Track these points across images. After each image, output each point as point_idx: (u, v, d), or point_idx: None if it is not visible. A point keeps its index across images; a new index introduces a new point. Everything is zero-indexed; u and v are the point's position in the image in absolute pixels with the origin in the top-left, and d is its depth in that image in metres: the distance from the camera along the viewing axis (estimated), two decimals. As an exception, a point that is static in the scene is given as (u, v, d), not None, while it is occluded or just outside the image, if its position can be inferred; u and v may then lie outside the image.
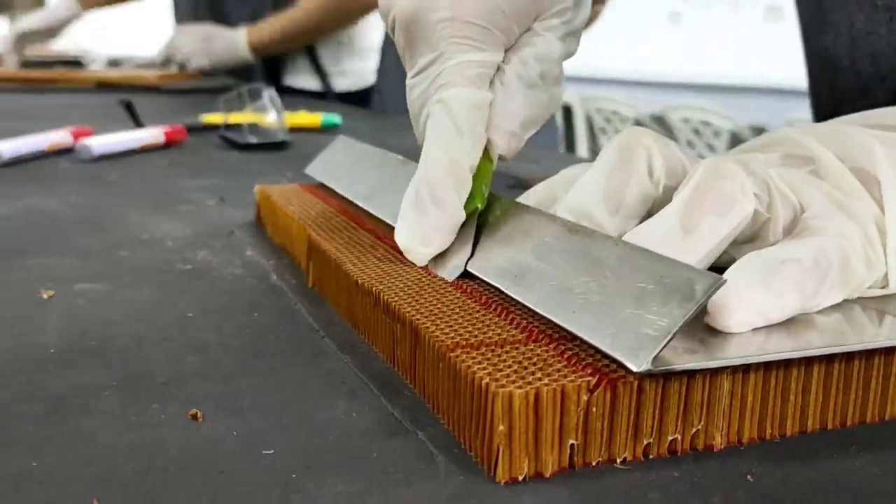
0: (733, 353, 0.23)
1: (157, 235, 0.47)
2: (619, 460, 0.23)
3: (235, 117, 0.86)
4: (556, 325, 0.25)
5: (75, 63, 1.85)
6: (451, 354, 0.24)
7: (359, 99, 1.47)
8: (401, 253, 0.34)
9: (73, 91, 1.40)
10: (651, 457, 0.23)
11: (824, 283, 0.26)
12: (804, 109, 0.62)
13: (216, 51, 1.41)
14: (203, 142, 0.85)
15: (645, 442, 0.23)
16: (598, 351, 0.23)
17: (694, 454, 0.23)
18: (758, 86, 2.94)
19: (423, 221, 0.32)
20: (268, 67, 1.49)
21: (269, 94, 0.85)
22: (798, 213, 0.29)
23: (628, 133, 0.30)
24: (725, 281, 0.22)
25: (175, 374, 0.28)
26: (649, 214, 0.29)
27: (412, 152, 0.37)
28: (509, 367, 0.23)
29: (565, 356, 0.24)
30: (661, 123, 3.17)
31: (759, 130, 2.82)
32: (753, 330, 0.25)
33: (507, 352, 0.24)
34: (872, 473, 0.23)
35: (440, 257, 0.33)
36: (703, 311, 0.24)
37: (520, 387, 0.21)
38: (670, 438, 0.23)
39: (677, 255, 0.25)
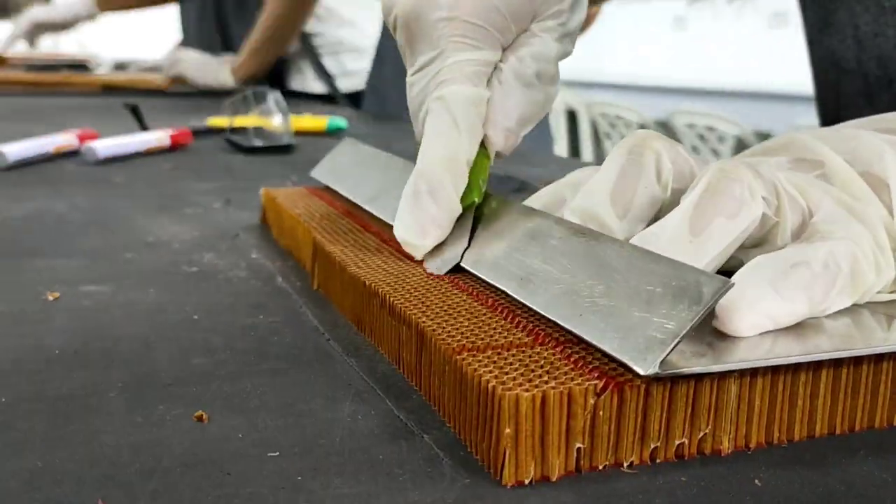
0: (741, 357, 0.23)
1: (163, 238, 0.47)
2: (625, 464, 0.23)
3: (241, 120, 0.86)
4: (562, 328, 0.25)
5: (81, 66, 1.86)
6: (458, 357, 0.24)
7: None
8: (406, 255, 0.34)
9: (79, 94, 1.40)
10: (658, 461, 0.23)
11: (833, 288, 0.26)
12: (809, 115, 0.62)
13: (207, 81, 1.47)
14: (208, 145, 0.85)
15: (652, 446, 0.23)
16: (605, 354, 0.23)
17: (701, 458, 0.23)
18: (763, 91, 2.93)
19: (420, 214, 0.33)
20: (272, 72, 1.50)
21: (274, 97, 0.85)
22: (807, 217, 0.28)
23: (636, 136, 0.30)
24: (734, 284, 0.22)
25: (181, 375, 0.28)
26: (657, 218, 0.29)
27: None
28: (516, 370, 0.23)
29: (572, 359, 0.23)
30: (665, 128, 3.16)
31: (764, 136, 2.81)
32: (761, 334, 0.25)
33: (513, 355, 0.24)
34: (881, 478, 0.22)
35: (436, 250, 0.33)
36: (711, 314, 0.24)
37: (526, 390, 0.21)
38: (678, 442, 0.23)
39: (685, 258, 0.25)
